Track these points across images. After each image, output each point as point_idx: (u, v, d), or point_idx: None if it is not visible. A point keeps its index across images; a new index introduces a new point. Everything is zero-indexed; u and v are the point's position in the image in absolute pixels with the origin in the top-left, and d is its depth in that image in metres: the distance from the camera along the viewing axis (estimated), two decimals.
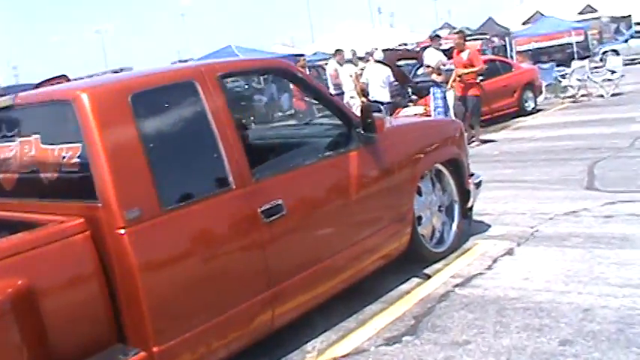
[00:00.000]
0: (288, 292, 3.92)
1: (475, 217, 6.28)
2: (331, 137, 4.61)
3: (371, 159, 4.55)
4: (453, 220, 5.52)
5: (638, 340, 3.53)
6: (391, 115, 12.21)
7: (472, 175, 5.81)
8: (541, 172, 8.21)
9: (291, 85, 4.72)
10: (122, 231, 3.23)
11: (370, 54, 13.00)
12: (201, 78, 3.78)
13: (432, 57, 11.55)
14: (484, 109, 13.12)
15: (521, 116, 14.11)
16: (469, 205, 5.68)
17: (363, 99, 12.70)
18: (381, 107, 4.48)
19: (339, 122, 4.63)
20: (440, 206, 5.48)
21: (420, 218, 5.19)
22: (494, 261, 5.10)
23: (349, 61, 13.28)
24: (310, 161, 4.21)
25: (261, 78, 20.66)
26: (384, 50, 12.55)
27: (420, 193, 5.20)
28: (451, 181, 5.51)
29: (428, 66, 11.77)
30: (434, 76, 11.29)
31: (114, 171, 3.27)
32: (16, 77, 56.84)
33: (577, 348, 3.54)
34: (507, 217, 6.31)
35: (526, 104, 14.27)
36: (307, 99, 4.59)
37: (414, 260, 5.14)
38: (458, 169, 5.55)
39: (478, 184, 5.78)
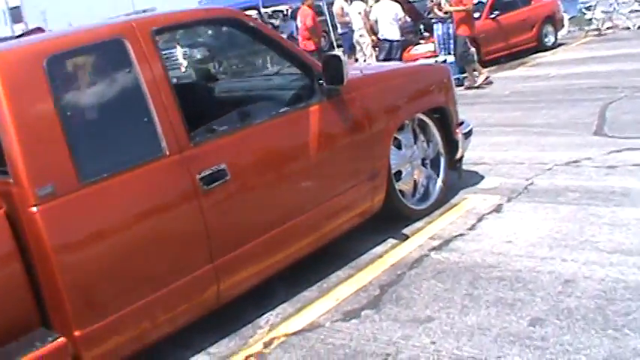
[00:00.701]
0: (236, 263, 3.54)
1: (470, 168, 5.82)
2: (291, 91, 4.14)
3: (334, 113, 4.08)
4: (438, 175, 5.05)
5: (617, 320, 3.08)
6: (402, 53, 11.62)
7: (461, 123, 5.29)
8: (550, 115, 7.61)
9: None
10: (34, 209, 2.87)
11: None
12: (132, 34, 3.32)
13: None
14: (500, 45, 12.49)
15: (541, 51, 13.30)
16: (457, 156, 5.19)
17: (373, 37, 12.07)
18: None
19: (301, 74, 4.15)
20: (424, 159, 5.01)
21: (399, 173, 4.74)
22: (480, 219, 4.65)
23: None
24: (261, 119, 3.76)
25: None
26: None
27: (399, 146, 4.74)
28: (435, 132, 5.01)
29: (431, 0, 11.03)
30: (436, 11, 10.59)
31: (24, 144, 2.89)
32: (45, 22, 56.58)
33: (547, 329, 3.11)
34: (504, 167, 5.81)
35: (546, 39, 13.43)
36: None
37: (394, 219, 4.72)
38: (444, 118, 5.04)
39: (468, 134, 5.28)
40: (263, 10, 19.25)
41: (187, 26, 4.36)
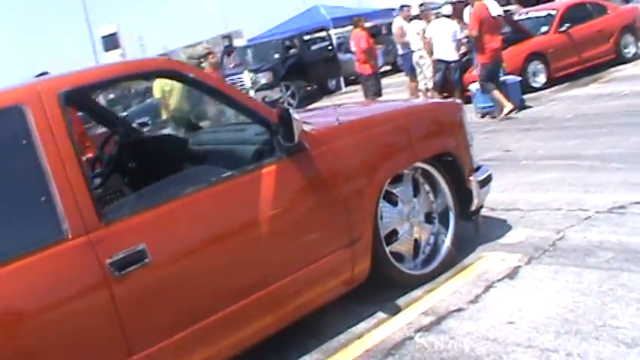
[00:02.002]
0: (164, 356, 2.98)
1: (499, 215, 5.05)
2: (243, 148, 3.56)
3: (295, 174, 3.45)
4: (447, 231, 4.31)
5: None
6: (462, 74, 10.76)
7: (478, 169, 4.52)
8: (609, 143, 6.62)
9: None
10: None
11: (427, 9, 11.47)
12: (35, 100, 2.85)
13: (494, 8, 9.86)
14: (573, 60, 11.43)
15: (621, 64, 12.05)
16: (472, 208, 4.42)
17: (434, 57, 11.26)
18: (291, 112, 3.24)
19: (256, 128, 3.57)
20: (430, 214, 4.29)
21: (394, 233, 4.05)
22: (487, 288, 3.86)
23: (416, 17, 11.79)
24: (197, 187, 3.18)
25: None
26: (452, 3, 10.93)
27: (394, 202, 4.04)
28: (442, 183, 4.27)
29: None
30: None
31: None
32: (142, 47, 58.53)
33: None
34: (537, 214, 4.96)
35: (625, 50, 12.15)
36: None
37: (389, 286, 4.03)
38: (453, 165, 4.30)
39: (485, 181, 4.49)
40: (333, 32, 18.76)
41: (111, 83, 3.87)
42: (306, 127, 3.70)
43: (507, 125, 8.85)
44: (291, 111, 3.26)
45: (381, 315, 3.80)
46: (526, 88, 10.58)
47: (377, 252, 3.83)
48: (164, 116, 9.51)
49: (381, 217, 3.93)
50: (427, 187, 4.27)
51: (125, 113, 22.21)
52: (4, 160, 2.80)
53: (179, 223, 3.09)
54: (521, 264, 4.09)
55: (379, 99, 11.35)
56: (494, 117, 9.38)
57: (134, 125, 5.04)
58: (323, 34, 18.73)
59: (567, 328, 3.22)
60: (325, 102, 17.49)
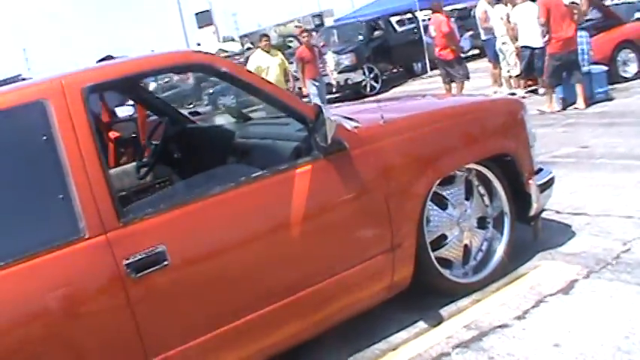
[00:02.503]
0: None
1: (564, 219, 4.68)
2: (278, 145, 3.39)
3: (332, 175, 3.24)
4: (502, 237, 4.00)
5: None
6: None
7: (539, 171, 4.17)
8: None
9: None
10: None
11: None
12: (58, 95, 2.77)
13: None
14: None
15: None
16: (532, 213, 4.09)
17: (518, 43, 10.67)
18: (325, 111, 3.03)
19: (292, 125, 3.38)
20: (484, 218, 3.99)
21: (443, 237, 3.79)
22: (538, 303, 3.56)
23: (500, 1, 11.20)
24: (226, 187, 3.03)
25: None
26: None
27: (444, 205, 3.78)
28: (498, 186, 3.96)
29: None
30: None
31: None
32: (235, 23, 58.84)
33: None
34: (605, 220, 4.55)
35: None
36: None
37: (436, 293, 3.79)
38: (511, 167, 3.98)
39: (546, 185, 4.14)
40: (421, 14, 18.19)
41: (138, 78, 3.75)
42: (349, 125, 3.50)
43: (589, 118, 8.27)
44: (324, 110, 3.04)
45: (421, 325, 3.57)
46: (616, 77, 9.91)
47: (421, 258, 3.59)
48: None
49: (429, 221, 3.68)
50: (482, 190, 3.97)
51: (211, 91, 22.58)
52: (24, 156, 2.75)
53: (203, 224, 2.95)
54: (578, 277, 3.74)
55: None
56: (576, 108, 8.81)
57: (185, 113, 4.92)
58: (409, 15, 18.22)
59: (618, 358, 2.88)
60: (411, 85, 17.11)
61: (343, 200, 3.28)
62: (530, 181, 4.02)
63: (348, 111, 3.97)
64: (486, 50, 12.17)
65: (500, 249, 3.94)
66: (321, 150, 3.20)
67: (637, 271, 3.68)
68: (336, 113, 3.65)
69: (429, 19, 12.66)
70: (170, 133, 4.37)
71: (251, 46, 42.82)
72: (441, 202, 3.78)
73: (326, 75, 14.19)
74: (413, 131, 3.57)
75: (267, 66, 10.33)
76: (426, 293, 3.72)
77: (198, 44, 53.18)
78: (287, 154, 3.28)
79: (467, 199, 3.91)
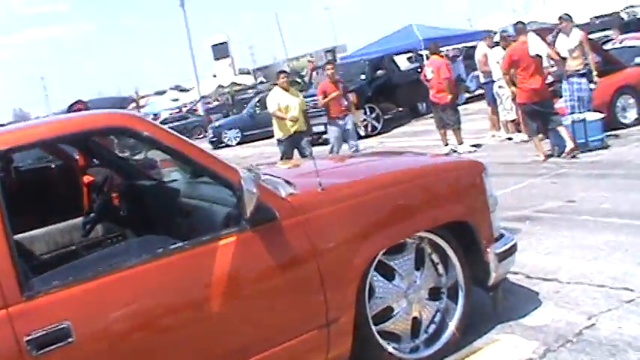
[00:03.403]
0: None
1: (534, 285, 4.42)
2: (216, 210, 3.21)
3: (258, 248, 3.03)
4: (455, 312, 3.76)
5: None
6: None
7: (500, 237, 3.94)
8: None
9: None
10: None
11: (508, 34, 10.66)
12: None
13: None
14: None
15: None
16: (490, 282, 3.85)
17: (513, 88, 10.46)
18: (245, 180, 2.82)
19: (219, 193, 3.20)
20: (438, 288, 3.76)
21: (389, 310, 3.56)
22: None
23: (497, 44, 11.04)
24: (140, 259, 2.84)
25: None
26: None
27: (390, 276, 3.56)
28: (453, 255, 3.73)
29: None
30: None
31: None
32: (252, 56, 59.10)
33: None
34: (575, 290, 4.28)
35: None
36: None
37: None
38: (467, 235, 3.75)
39: (507, 253, 3.90)
40: (424, 53, 18.07)
41: (53, 142, 3.58)
42: (284, 191, 3.30)
43: (581, 168, 8.02)
44: (244, 180, 2.85)
45: None
46: (614, 123, 9.66)
47: (362, 333, 3.36)
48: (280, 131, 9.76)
49: (373, 293, 3.47)
50: (435, 259, 3.75)
51: (217, 124, 22.41)
52: None
53: (112, 299, 2.75)
54: (534, 357, 3.48)
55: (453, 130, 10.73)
56: (561, 155, 8.62)
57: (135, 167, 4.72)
58: (410, 55, 18.14)
59: None
60: (413, 125, 16.93)
61: (269, 275, 3.07)
62: (489, 250, 3.79)
63: (290, 174, 3.78)
64: (485, 94, 11.98)
65: (451, 325, 3.70)
66: (248, 220, 3.01)
67: (596, 351, 3.42)
68: (271, 178, 3.47)
69: (427, 59, 12.44)
70: (117, 187, 4.20)
71: (264, 80, 43.21)
72: (388, 273, 3.56)
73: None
74: (354, 199, 3.36)
75: (286, 104, 9.57)
76: None
77: (214, 76, 53.73)
78: (217, 222, 3.09)
79: (417, 268, 3.68)
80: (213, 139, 23.39)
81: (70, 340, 2.59)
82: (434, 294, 3.76)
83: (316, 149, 11.89)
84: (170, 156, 3.11)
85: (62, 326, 2.58)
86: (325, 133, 10.96)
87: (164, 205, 3.79)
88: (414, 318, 3.66)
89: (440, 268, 3.76)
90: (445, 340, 3.68)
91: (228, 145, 22.87)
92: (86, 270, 2.79)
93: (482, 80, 11.81)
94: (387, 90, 16.93)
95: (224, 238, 2.99)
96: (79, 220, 4.40)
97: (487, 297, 3.97)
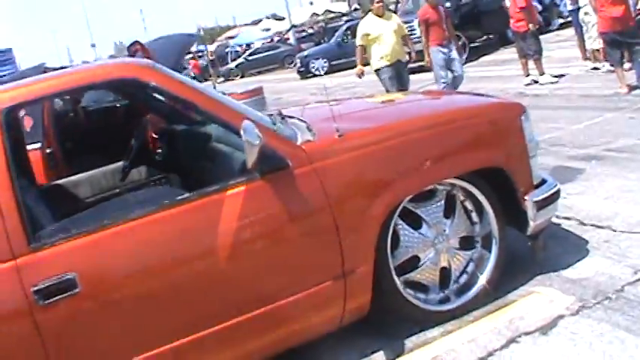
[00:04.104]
0: None
1: (583, 233, 4.14)
2: (210, 164, 3.12)
3: (268, 197, 2.94)
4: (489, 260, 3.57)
5: None
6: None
7: (542, 183, 3.67)
8: None
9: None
10: None
11: None
12: None
13: None
14: None
15: None
16: (529, 232, 3.62)
17: None
18: (248, 132, 2.72)
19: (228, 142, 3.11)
20: (471, 237, 3.57)
21: (416, 259, 3.42)
22: (509, 343, 3.13)
23: None
24: (145, 210, 2.82)
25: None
26: None
27: (417, 225, 3.40)
28: (486, 204, 3.51)
29: None
30: None
31: None
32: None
33: None
34: (628, 239, 3.96)
35: None
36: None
37: (405, 321, 3.45)
38: (503, 182, 3.51)
39: (548, 201, 3.63)
40: None
41: (57, 96, 3.51)
42: (300, 138, 3.18)
43: None
44: (246, 129, 2.72)
45: (377, 358, 3.24)
46: None
47: (384, 283, 3.25)
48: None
49: (398, 242, 3.33)
50: (469, 206, 3.53)
51: (305, 53, 22.16)
52: None
53: (117, 251, 2.76)
54: (566, 313, 3.27)
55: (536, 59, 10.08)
56: None
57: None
58: None
59: None
60: (501, 54, 16.11)
61: (280, 225, 2.99)
62: (527, 198, 3.53)
63: (312, 115, 3.63)
64: (572, 21, 11.15)
65: (482, 278, 3.52)
66: (260, 169, 2.91)
67: (634, 310, 3.15)
68: (293, 123, 3.34)
69: None
70: (156, 130, 4.20)
71: (358, 7, 42.21)
72: (415, 221, 3.39)
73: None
74: (374, 146, 3.18)
75: (379, 33, 8.66)
76: (390, 321, 3.38)
77: (311, 3, 52.88)
78: (234, 169, 3.02)
79: (448, 217, 3.49)
80: (301, 69, 23.29)
81: (75, 290, 2.63)
82: (466, 243, 3.57)
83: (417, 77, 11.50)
84: (180, 105, 3.03)
85: (68, 277, 2.63)
86: (421, 61, 10.02)
87: (195, 149, 3.75)
88: (443, 268, 3.49)
89: (474, 216, 3.55)
90: (477, 291, 3.51)
91: (315, 75, 22.72)
92: (92, 221, 2.80)
93: (569, 7, 10.96)
94: (473, 17, 16.13)
95: (232, 188, 2.91)
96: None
97: (528, 246, 3.73)
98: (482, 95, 4.22)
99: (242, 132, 2.73)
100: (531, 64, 10.22)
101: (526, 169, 3.57)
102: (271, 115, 3.66)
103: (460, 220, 3.52)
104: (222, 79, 32.06)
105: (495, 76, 12.38)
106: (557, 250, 3.97)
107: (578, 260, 3.81)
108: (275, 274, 3.00)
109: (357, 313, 3.23)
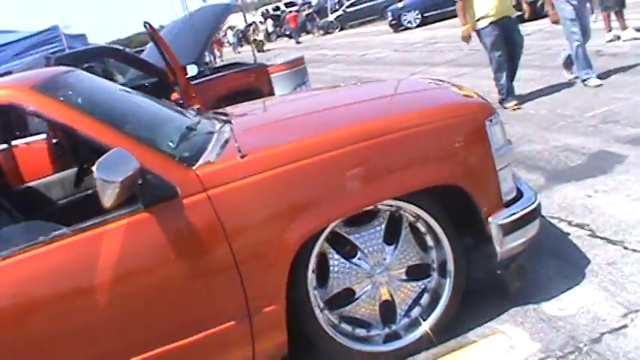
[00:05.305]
0: None
1: (592, 248, 3.42)
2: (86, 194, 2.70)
3: (154, 232, 2.48)
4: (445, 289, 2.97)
5: None
6: None
7: (515, 200, 2.97)
8: None
9: None
10: None
11: None
12: None
13: None
14: None
15: None
16: (497, 259, 2.96)
17: None
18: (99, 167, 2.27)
19: None
20: (423, 265, 2.97)
21: (351, 293, 2.88)
22: None
23: None
24: (17, 248, 2.46)
25: None
26: None
27: (351, 253, 2.85)
28: (438, 229, 2.88)
29: None
30: None
31: None
32: None
33: None
34: (637, 263, 3.19)
35: None
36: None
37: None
38: (461, 201, 2.87)
39: (519, 223, 2.93)
40: None
41: None
42: (204, 156, 2.70)
43: None
44: (97, 165, 2.28)
45: None
46: None
47: (304, 321, 2.76)
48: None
49: (328, 273, 2.82)
50: (422, 228, 2.92)
51: (399, 5, 21.01)
52: None
53: None
54: None
55: None
56: None
57: None
58: None
59: None
60: None
61: (168, 261, 2.53)
62: (491, 220, 2.87)
63: (247, 122, 3.14)
64: None
65: (425, 324, 2.92)
66: (146, 199, 2.48)
67: None
68: (220, 131, 2.91)
69: None
70: None
71: None
72: (347, 248, 2.85)
73: None
74: (285, 166, 2.62)
75: None
76: None
77: None
78: (89, 209, 2.60)
79: (391, 242, 2.90)
80: (393, 22, 22.29)
81: None
82: (418, 271, 2.97)
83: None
84: (59, 128, 2.64)
85: None
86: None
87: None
88: (386, 301, 2.93)
89: (428, 239, 2.94)
90: (415, 335, 2.93)
91: (407, 28, 21.68)
92: None
93: None
94: None
95: (112, 222, 2.49)
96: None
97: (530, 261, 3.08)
98: (447, 89, 3.47)
99: (95, 169, 2.29)
100: (613, 18, 8.94)
101: (491, 184, 2.89)
102: (198, 123, 3.19)
103: (407, 246, 2.93)
104: (321, 32, 31.46)
105: None
106: (549, 273, 3.28)
107: (568, 289, 3.11)
108: (165, 315, 2.58)
109: (275, 354, 2.76)
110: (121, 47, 7.87)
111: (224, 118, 3.40)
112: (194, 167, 2.61)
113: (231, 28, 42.68)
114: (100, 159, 2.31)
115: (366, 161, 2.72)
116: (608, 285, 3.05)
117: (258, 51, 29.09)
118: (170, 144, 2.75)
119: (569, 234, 3.67)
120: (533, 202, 2.99)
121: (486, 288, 3.13)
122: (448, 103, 3.11)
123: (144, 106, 3.38)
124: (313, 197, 2.67)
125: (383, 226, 2.87)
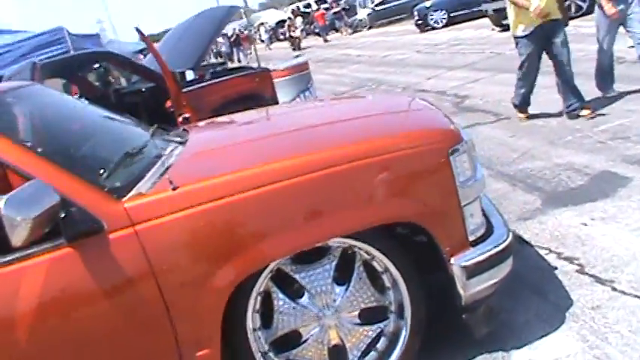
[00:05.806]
0: None
1: (579, 286, 3.14)
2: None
3: (77, 269, 2.26)
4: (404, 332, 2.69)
5: None
6: None
7: (484, 238, 2.67)
8: None
9: None
10: None
11: None
12: None
13: None
14: None
15: None
16: (462, 301, 2.67)
17: None
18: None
19: None
20: (379, 306, 2.70)
21: (297, 336, 2.63)
22: None
23: None
24: None
25: None
26: None
27: (296, 294, 2.59)
28: (392, 268, 2.61)
29: None
30: None
31: None
32: None
33: None
34: (623, 309, 2.86)
35: None
36: None
37: None
38: (420, 239, 2.59)
39: (486, 264, 2.63)
40: None
41: None
42: (138, 187, 2.46)
43: None
44: (5, 202, 2.06)
45: None
46: None
47: None
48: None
49: (271, 314, 2.57)
50: (379, 267, 2.65)
51: (427, 4, 20.57)
52: None
53: None
54: None
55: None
56: None
57: None
58: None
59: None
60: None
61: (90, 301, 2.31)
62: (453, 261, 2.58)
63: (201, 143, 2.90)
64: None
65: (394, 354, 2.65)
66: (71, 234, 2.26)
67: None
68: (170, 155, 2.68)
69: None
70: None
71: None
72: (293, 287, 2.59)
73: None
74: (221, 200, 2.36)
75: None
76: None
77: None
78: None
79: (342, 282, 2.63)
80: (419, 22, 21.84)
81: None
82: (374, 313, 2.70)
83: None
84: None
85: None
86: None
87: None
88: (335, 345, 2.66)
89: (385, 279, 2.66)
90: None
91: (433, 28, 21.23)
92: None
93: None
94: None
95: (30, 258, 2.27)
96: None
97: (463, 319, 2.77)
98: (414, 111, 3.17)
99: (1, 203, 2.07)
100: None
101: (455, 222, 2.60)
102: (145, 146, 2.95)
103: (361, 287, 2.65)
104: (349, 30, 31.10)
105: None
106: (527, 313, 2.98)
107: (544, 336, 2.81)
108: (89, 358, 2.36)
109: None
110: (114, 51, 7.71)
111: (179, 139, 3.16)
112: (124, 199, 2.37)
113: (263, 24, 42.62)
114: (11, 193, 2.09)
115: (312, 196, 2.45)
116: (588, 334, 2.73)
117: (295, 49, 28.86)
118: (102, 172, 2.51)
119: (556, 268, 3.35)
120: (505, 241, 2.69)
121: (451, 332, 2.82)
122: (409, 130, 2.81)
123: (90, 128, 3.16)
124: (252, 234, 2.42)
125: (333, 264, 2.60)
